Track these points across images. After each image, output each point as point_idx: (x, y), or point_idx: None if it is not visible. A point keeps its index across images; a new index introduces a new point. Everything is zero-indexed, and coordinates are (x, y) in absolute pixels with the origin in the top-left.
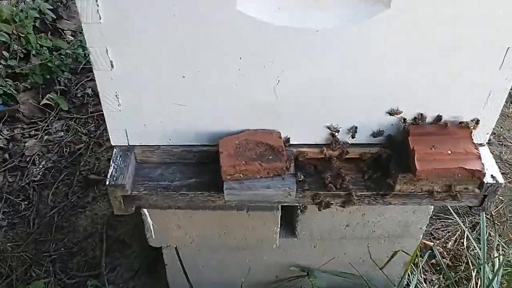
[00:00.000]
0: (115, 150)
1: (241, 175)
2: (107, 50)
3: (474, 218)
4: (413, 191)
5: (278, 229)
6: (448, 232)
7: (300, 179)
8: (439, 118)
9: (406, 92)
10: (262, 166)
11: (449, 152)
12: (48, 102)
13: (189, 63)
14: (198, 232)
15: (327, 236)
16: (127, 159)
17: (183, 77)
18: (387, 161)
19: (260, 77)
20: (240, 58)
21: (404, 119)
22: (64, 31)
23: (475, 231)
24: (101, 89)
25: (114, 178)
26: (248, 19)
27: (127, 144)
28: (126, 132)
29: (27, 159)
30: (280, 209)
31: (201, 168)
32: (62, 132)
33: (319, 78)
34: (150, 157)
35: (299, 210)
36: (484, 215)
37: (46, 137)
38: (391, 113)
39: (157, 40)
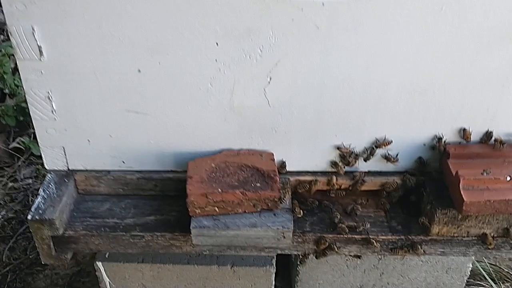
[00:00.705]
0: (48, 175)
1: (216, 208)
2: (33, 30)
3: (511, 284)
4: (455, 235)
5: None
6: None
7: (299, 216)
8: (489, 135)
9: (443, 96)
10: (246, 196)
11: (509, 178)
12: (19, 146)
13: (147, 50)
14: None
15: None
16: (63, 187)
17: (139, 71)
18: (418, 194)
19: (245, 72)
20: (217, 44)
21: (439, 138)
22: None
23: None
24: (27, 88)
25: (40, 212)
26: None
27: (66, 168)
28: (64, 151)
29: None
30: (274, 264)
31: (165, 202)
32: (31, 179)
33: (326, 74)
34: (96, 186)
35: (298, 263)
36: None
37: (11, 184)
38: (377, 145)
39: (102, 14)
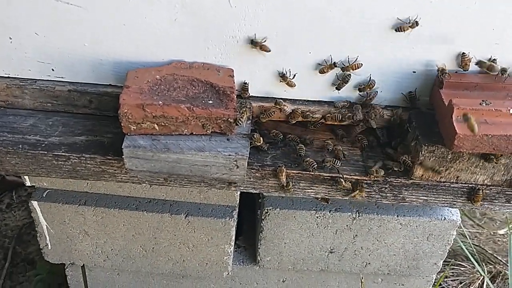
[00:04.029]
0: None
1: (155, 125)
2: None
3: (494, 267)
4: (442, 180)
5: (232, 248)
6: (461, 282)
7: (259, 143)
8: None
9: (439, 9)
10: (194, 113)
11: (511, 110)
12: None
13: None
14: (114, 244)
15: (301, 265)
16: None
17: None
18: (402, 131)
19: None
20: None
21: (441, 72)
22: None
23: (495, 284)
24: None
25: None
26: None
27: None
28: None
29: None
30: (235, 216)
31: (100, 123)
32: None
33: None
34: (19, 98)
35: (262, 218)
36: None
37: None
38: (344, 67)
39: None
